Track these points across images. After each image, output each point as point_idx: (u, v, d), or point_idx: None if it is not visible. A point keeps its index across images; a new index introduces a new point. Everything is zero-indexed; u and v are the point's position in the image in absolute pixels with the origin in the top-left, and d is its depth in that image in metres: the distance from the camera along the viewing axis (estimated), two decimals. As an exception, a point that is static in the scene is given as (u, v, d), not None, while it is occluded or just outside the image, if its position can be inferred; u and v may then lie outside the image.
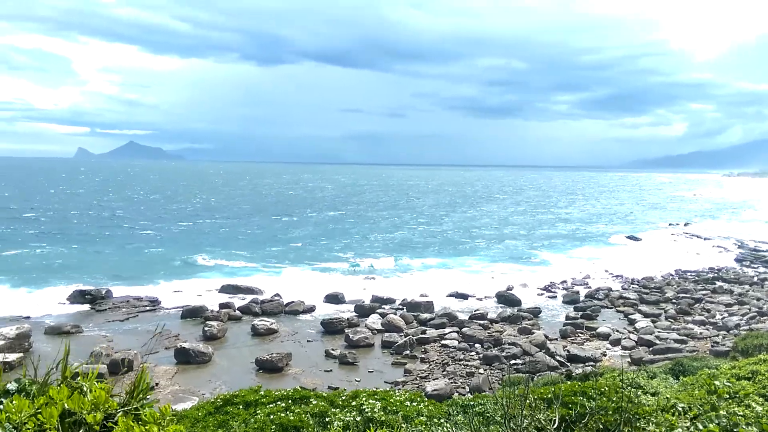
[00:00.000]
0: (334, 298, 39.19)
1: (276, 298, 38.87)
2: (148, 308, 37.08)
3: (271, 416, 8.63)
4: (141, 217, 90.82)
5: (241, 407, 9.47)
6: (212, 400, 10.15)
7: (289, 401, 9.40)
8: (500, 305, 39.24)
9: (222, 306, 36.60)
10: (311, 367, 27.50)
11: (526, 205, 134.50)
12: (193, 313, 35.12)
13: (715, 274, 49.61)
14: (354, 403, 9.14)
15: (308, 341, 31.39)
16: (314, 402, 9.25)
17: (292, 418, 8.49)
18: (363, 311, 36.28)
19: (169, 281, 43.92)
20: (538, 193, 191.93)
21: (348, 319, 34.09)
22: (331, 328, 32.86)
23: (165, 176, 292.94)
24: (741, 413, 4.44)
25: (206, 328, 31.45)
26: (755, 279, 47.58)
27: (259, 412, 8.97)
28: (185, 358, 27.27)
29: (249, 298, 38.77)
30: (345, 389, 10.84)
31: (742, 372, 13.36)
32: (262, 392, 10.02)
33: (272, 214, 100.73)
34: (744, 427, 4.13)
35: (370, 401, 9.12)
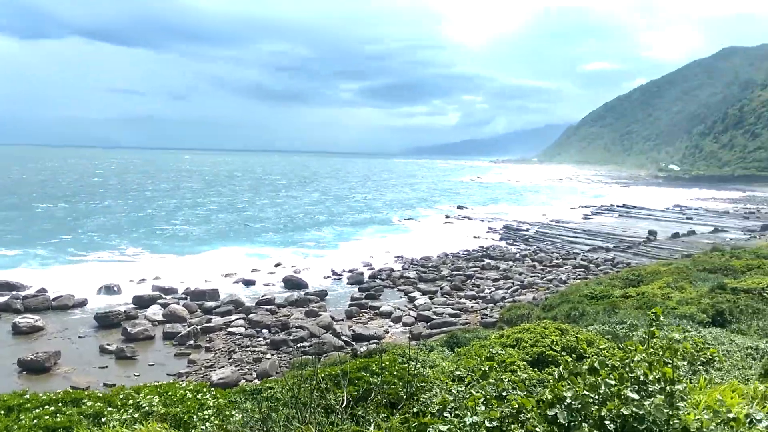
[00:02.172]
0: (109, 290, 36.44)
1: (41, 293, 35.16)
2: None
3: (36, 420, 7.74)
4: None
5: (1, 413, 8.38)
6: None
7: (59, 404, 8.49)
8: (287, 289, 39.24)
9: (-27, 304, 32.39)
10: (84, 364, 25.32)
11: (312, 190, 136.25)
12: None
13: (484, 252, 54.02)
14: (131, 401, 8.49)
15: (80, 337, 28.82)
16: (89, 403, 8.45)
17: (59, 419, 7.70)
18: (142, 302, 34.13)
19: None
20: (323, 179, 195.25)
21: (125, 311, 31.91)
22: (106, 322, 30.43)
23: None
24: (507, 379, 4.71)
25: (-45, 330, 27.69)
26: (517, 255, 52.56)
27: (23, 417, 7.99)
28: (-72, 365, 23.78)
29: (8, 294, 34.74)
30: (124, 386, 10.03)
31: (509, 341, 14.62)
32: (27, 396, 8.96)
33: (33, 201, 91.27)
34: (511, 391, 4.36)
35: (148, 396, 8.55)
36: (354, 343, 28.56)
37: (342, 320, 32.54)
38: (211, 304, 34.35)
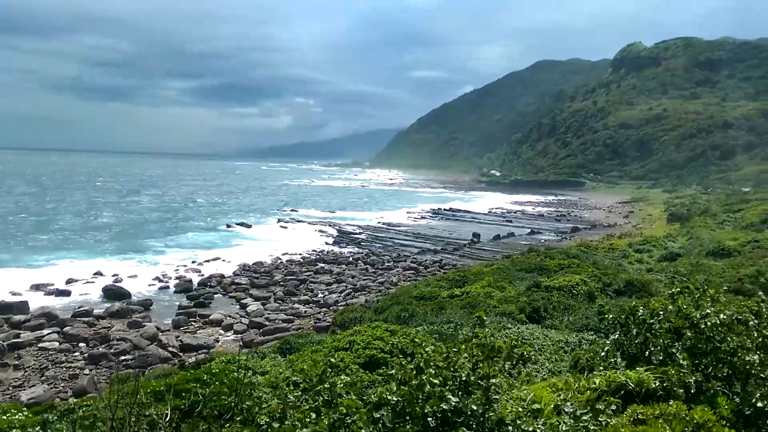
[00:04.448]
0: None
1: None
2: None
3: None
4: None
5: None
6: None
7: None
8: (108, 300, 36.80)
9: None
10: None
11: (138, 193, 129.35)
12: None
13: (318, 256, 54.21)
14: None
15: None
16: None
17: None
18: (-63, 319, 30.51)
19: None
20: (149, 181, 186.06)
21: None
22: None
23: None
24: (340, 383, 4.73)
25: None
26: (350, 259, 53.31)
27: None
28: None
29: None
30: None
31: (341, 344, 14.73)
32: None
33: None
34: (344, 395, 4.38)
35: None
36: (182, 354, 27.42)
37: (168, 330, 31.08)
38: (19, 317, 31.35)
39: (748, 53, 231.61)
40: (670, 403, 4.95)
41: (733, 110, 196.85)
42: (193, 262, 49.87)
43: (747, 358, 5.35)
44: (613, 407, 4.45)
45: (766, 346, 5.66)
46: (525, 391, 4.92)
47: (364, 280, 44.47)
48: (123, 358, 26.40)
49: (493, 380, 4.18)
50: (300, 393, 4.73)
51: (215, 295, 38.76)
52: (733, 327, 5.71)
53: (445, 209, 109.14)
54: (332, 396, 4.38)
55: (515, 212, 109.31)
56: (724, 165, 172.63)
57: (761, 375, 5.24)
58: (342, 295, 39.43)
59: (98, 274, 43.34)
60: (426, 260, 53.31)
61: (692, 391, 5.14)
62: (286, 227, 77.56)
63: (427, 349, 5.56)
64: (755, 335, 5.72)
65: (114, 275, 42.82)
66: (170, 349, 27.62)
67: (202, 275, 44.49)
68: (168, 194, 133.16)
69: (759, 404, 4.91)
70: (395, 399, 3.97)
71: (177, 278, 43.29)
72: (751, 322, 5.81)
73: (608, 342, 6.79)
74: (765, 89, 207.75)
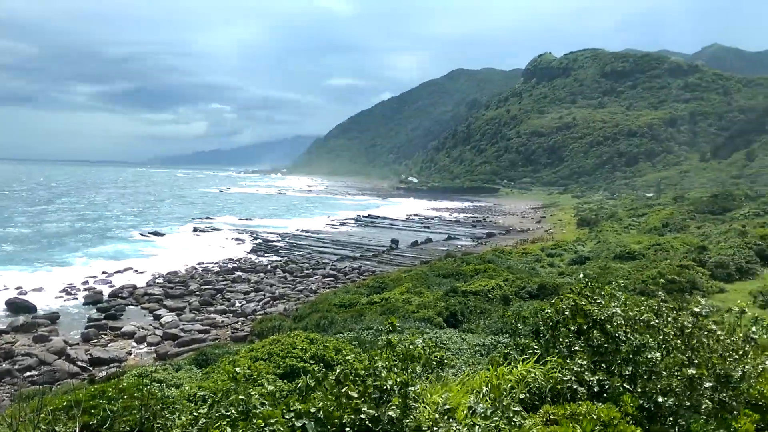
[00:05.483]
0: None
1: None
2: None
3: None
4: None
5: None
6: None
7: None
8: (11, 313, 34.95)
9: None
10: None
11: (47, 202, 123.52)
12: None
13: (235, 265, 53.29)
14: None
15: None
16: None
17: None
18: None
19: None
20: (56, 189, 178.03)
21: None
22: None
23: None
24: (257, 393, 4.68)
25: None
26: (269, 267, 52.66)
27: None
28: None
29: None
30: None
31: (259, 354, 14.53)
32: None
33: None
34: (259, 406, 4.37)
35: None
36: (92, 368, 26.34)
37: (78, 344, 29.81)
38: None
39: (650, 65, 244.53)
40: (580, 402, 5.14)
41: (636, 119, 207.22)
42: (103, 272, 48.00)
43: (649, 356, 5.62)
44: (517, 407, 4.59)
45: (668, 345, 5.96)
46: (443, 396, 5.00)
47: (282, 288, 44.03)
48: (28, 374, 25.13)
49: (411, 388, 4.24)
50: (214, 406, 4.65)
51: (127, 307, 37.48)
52: (636, 326, 5.99)
53: (364, 216, 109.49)
54: (247, 408, 4.35)
55: (433, 218, 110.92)
56: (629, 171, 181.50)
57: (662, 372, 5.51)
58: (260, 303, 38.92)
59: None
60: (345, 267, 53.31)
61: (596, 390, 5.36)
62: (201, 236, 75.87)
63: (348, 357, 5.59)
64: (657, 334, 6.01)
65: (18, 287, 40.65)
66: (79, 363, 26.50)
67: (113, 286, 42.89)
68: (78, 203, 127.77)
69: (659, 399, 5.18)
70: (314, 409, 3.98)
71: (86, 290, 41.56)
72: (653, 322, 6.11)
73: (511, 346, 7.02)
74: (665, 99, 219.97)
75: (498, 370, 5.73)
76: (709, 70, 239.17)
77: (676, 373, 5.42)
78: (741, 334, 6.23)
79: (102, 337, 31.08)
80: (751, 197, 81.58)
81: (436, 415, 4.09)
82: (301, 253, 62.02)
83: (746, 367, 5.70)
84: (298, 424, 3.94)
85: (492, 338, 17.31)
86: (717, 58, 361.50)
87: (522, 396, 5.19)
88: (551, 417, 5.02)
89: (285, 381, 11.92)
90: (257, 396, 4.54)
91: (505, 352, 6.73)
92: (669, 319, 6.20)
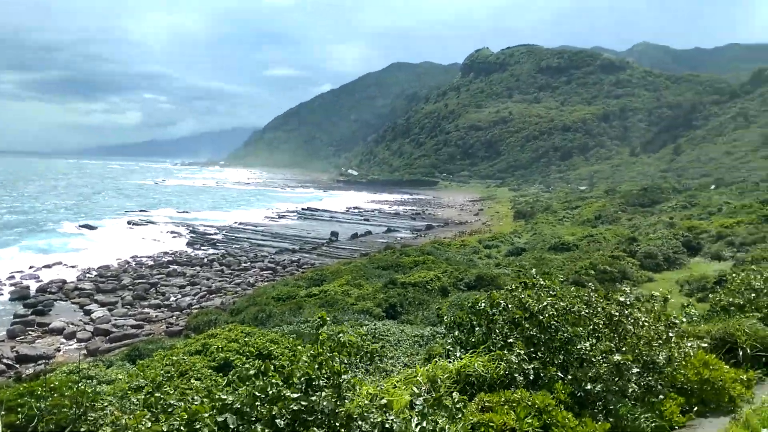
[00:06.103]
0: None
1: None
2: None
3: None
4: None
5: None
6: None
7: None
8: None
9: None
10: None
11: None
12: None
13: (170, 258, 52.18)
14: None
15: None
16: None
17: None
18: None
19: None
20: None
21: None
22: None
23: None
24: (188, 387, 4.62)
25: None
26: (205, 260, 51.77)
27: None
28: None
29: None
30: None
31: (195, 348, 14.32)
32: None
33: None
34: (191, 399, 4.33)
35: None
36: (18, 365, 25.46)
37: (2, 341, 28.76)
38: None
39: (583, 61, 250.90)
40: (514, 390, 5.26)
41: (571, 114, 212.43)
42: (31, 267, 46.29)
43: (579, 346, 5.79)
44: (459, 403, 4.65)
45: (598, 333, 6.15)
46: (380, 387, 5.03)
47: (219, 281, 43.40)
48: (-52, 374, 24.05)
49: (344, 377, 4.25)
50: (143, 400, 4.55)
51: (56, 302, 36.29)
52: (567, 317, 6.15)
53: (303, 208, 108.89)
54: (168, 402, 4.30)
55: (373, 211, 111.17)
56: (563, 165, 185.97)
57: (592, 360, 5.68)
58: (196, 297, 38.26)
59: None
60: (284, 260, 52.91)
61: (531, 378, 5.49)
62: (136, 229, 73.95)
63: (277, 350, 5.54)
64: (587, 323, 6.19)
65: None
66: (5, 360, 25.57)
67: (41, 281, 41.44)
68: (7, 195, 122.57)
69: (588, 386, 5.35)
70: (237, 402, 3.94)
71: (12, 285, 40.03)
72: (584, 312, 6.28)
73: (449, 341, 7.12)
74: (598, 95, 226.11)
75: (436, 362, 5.80)
76: (639, 67, 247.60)
77: (603, 361, 5.59)
78: (664, 321, 6.48)
79: (29, 334, 30.00)
80: (678, 190, 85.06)
81: (373, 408, 4.11)
82: (239, 246, 61.22)
83: (670, 352, 5.93)
84: (220, 419, 3.90)
85: (431, 329, 17.49)
86: (646, 55, 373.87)
87: (459, 388, 5.27)
88: (486, 405, 5.11)
89: (220, 374, 11.78)
90: (191, 389, 4.47)
91: (444, 345, 6.82)
92: (599, 309, 6.40)
